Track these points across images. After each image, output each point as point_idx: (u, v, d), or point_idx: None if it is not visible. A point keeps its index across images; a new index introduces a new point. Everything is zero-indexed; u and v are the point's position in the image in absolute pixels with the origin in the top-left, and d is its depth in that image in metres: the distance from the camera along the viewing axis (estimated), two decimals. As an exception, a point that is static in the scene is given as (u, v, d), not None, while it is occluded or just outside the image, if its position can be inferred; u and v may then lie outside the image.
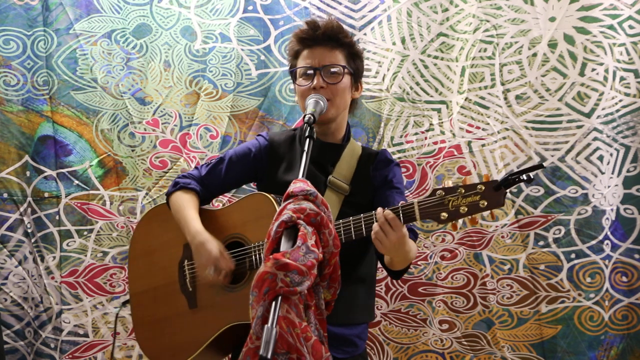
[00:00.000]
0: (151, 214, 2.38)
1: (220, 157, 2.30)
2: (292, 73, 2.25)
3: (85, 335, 3.00)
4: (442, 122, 2.97)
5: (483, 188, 1.82)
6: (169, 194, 2.28)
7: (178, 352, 2.20)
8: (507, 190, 1.82)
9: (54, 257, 3.00)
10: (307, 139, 1.89)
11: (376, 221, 1.89)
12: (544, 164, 2.91)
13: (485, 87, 2.96)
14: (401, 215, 1.89)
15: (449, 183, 1.86)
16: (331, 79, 2.17)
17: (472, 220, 1.86)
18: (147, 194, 3.01)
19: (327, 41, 2.20)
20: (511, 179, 1.77)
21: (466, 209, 1.83)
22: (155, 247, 2.30)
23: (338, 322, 2.15)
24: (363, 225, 1.96)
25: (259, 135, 2.34)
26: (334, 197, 2.19)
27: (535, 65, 2.92)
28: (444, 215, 1.84)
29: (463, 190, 1.83)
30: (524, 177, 1.77)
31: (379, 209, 1.89)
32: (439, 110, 2.98)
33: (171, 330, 2.21)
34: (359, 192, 2.23)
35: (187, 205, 2.21)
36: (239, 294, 2.05)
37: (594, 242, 2.90)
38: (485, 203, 1.82)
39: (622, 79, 2.89)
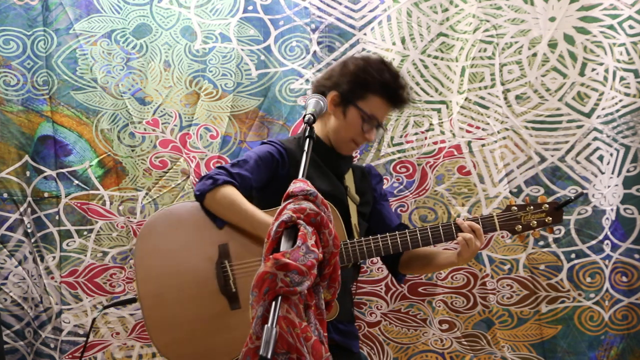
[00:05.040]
0: (165, 213, 2.33)
1: (242, 158, 2.30)
2: (349, 99, 2.31)
3: (85, 335, 3.00)
4: (442, 122, 2.97)
5: (548, 207, 2.28)
6: (207, 191, 2.21)
7: (221, 354, 2.14)
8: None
9: (54, 257, 3.00)
10: (307, 139, 1.90)
11: (458, 231, 2.24)
12: (544, 164, 2.92)
13: (485, 87, 2.96)
14: (480, 225, 2.25)
15: (512, 201, 2.33)
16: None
17: (520, 237, 2.38)
18: (147, 194, 3.00)
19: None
20: (568, 202, 2.32)
21: (535, 223, 2.28)
22: (174, 247, 2.24)
23: (347, 320, 2.35)
24: (422, 238, 2.28)
25: (270, 142, 2.37)
26: (352, 206, 2.35)
27: (535, 65, 2.92)
28: (519, 227, 2.28)
29: (532, 208, 2.29)
30: (575, 200, 2.41)
31: (459, 220, 2.26)
32: (439, 110, 2.98)
33: (207, 332, 2.16)
34: (365, 203, 2.41)
35: (239, 198, 2.19)
36: None
37: (594, 242, 2.90)
38: (551, 219, 2.28)
39: (622, 79, 2.89)
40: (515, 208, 2.28)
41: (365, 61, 2.34)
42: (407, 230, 2.26)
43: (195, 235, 2.24)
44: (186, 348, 2.18)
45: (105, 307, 2.75)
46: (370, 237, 2.24)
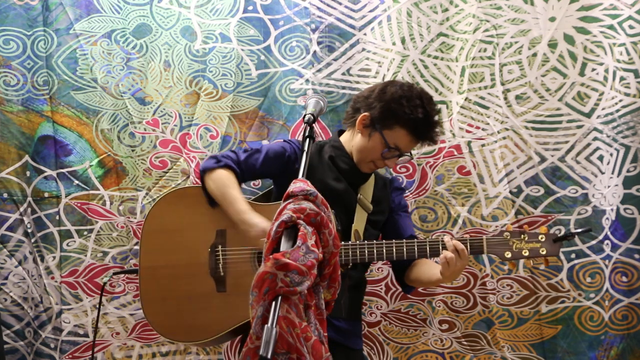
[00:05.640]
0: (176, 194, 2.46)
1: (255, 147, 2.43)
2: (377, 125, 2.35)
3: (85, 335, 3.00)
4: (442, 122, 2.97)
5: (544, 238, 2.19)
6: (208, 169, 2.34)
7: (199, 331, 2.28)
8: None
9: (54, 257, 3.00)
10: (307, 139, 1.90)
11: (444, 249, 2.20)
12: (544, 164, 2.92)
13: (485, 87, 2.96)
14: (468, 245, 2.21)
15: (509, 227, 2.23)
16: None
17: (511, 264, 2.27)
18: (147, 194, 3.00)
19: None
20: (568, 236, 2.20)
21: (528, 252, 2.20)
22: (178, 226, 2.38)
23: (350, 318, 2.42)
24: (428, 248, 2.26)
25: (289, 141, 2.47)
26: (362, 213, 2.40)
27: (535, 65, 2.92)
28: (508, 254, 2.20)
29: (526, 237, 2.20)
30: (577, 237, 2.35)
31: (447, 238, 2.21)
32: (438, 111, 2.97)
33: (191, 310, 2.31)
34: (379, 212, 2.46)
35: (232, 184, 2.31)
36: None
37: (594, 242, 2.90)
38: (545, 250, 2.19)
39: (622, 79, 2.89)
40: (508, 234, 2.22)
41: (404, 91, 2.36)
42: (393, 241, 2.27)
43: (199, 218, 2.37)
44: (170, 321, 2.34)
45: (114, 274, 2.85)
46: (357, 242, 2.27)
